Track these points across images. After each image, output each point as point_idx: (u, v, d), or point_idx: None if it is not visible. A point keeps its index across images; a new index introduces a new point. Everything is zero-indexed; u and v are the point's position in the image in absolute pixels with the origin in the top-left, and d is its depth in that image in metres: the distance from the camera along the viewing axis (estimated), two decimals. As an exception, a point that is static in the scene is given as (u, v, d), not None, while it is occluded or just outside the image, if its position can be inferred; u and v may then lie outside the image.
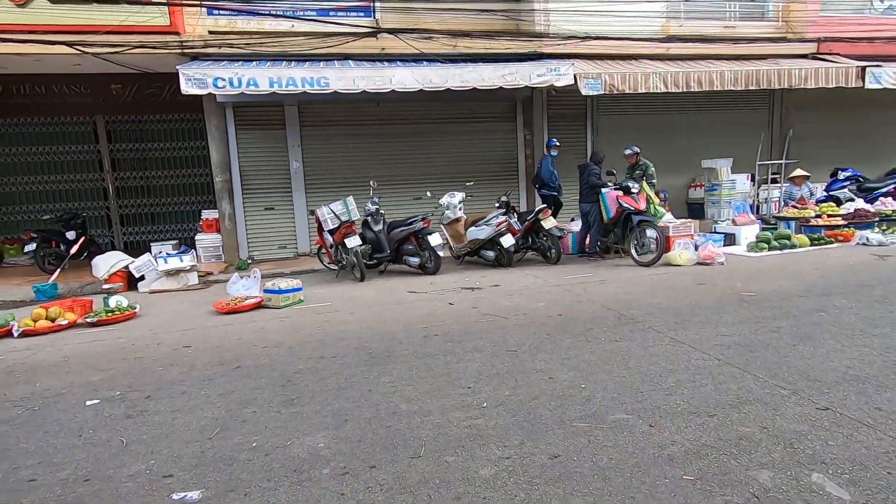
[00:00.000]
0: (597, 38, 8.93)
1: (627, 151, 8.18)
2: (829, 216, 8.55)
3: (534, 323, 4.60)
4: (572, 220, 8.93)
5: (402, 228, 7.32)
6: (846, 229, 8.13)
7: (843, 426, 2.50)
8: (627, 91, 8.41)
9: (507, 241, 7.34)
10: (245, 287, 6.29)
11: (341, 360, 3.90)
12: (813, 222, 8.46)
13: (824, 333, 3.86)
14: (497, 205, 7.77)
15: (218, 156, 8.62)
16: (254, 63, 7.81)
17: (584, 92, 8.26)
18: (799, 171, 9.62)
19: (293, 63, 7.90)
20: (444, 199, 8.04)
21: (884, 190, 9.94)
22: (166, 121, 10.39)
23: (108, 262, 7.33)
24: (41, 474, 2.52)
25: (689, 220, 8.40)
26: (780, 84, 9.01)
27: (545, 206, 7.84)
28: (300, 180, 9.35)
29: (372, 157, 9.53)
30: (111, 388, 3.60)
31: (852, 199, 9.42)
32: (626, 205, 7.18)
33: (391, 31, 8.27)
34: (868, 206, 8.86)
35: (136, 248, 9.43)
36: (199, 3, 7.78)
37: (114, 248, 9.48)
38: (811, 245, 7.74)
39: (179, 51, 7.70)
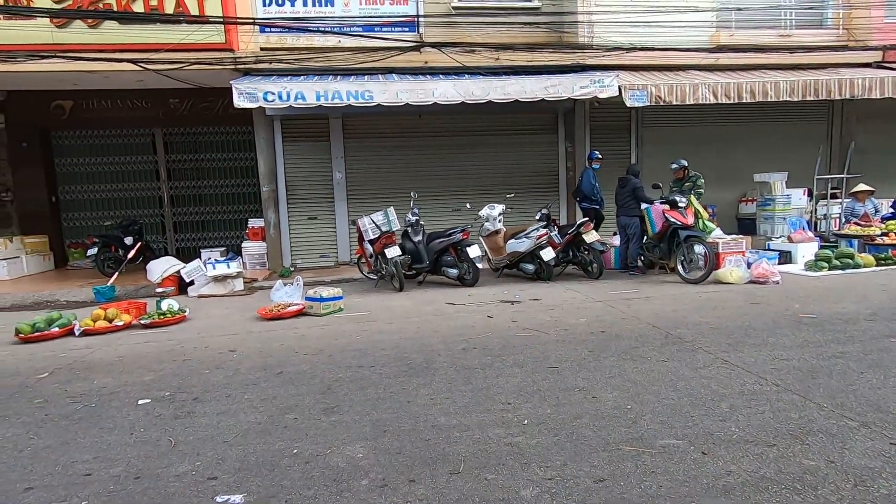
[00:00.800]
0: (642, 48, 8.77)
1: (674, 165, 7.93)
2: (896, 234, 7.98)
3: (575, 339, 4.48)
4: (614, 233, 8.72)
5: (442, 240, 7.34)
6: (917, 249, 7.55)
7: (922, 464, 2.28)
8: (675, 102, 8.18)
9: (548, 254, 7.22)
10: (288, 294, 6.43)
11: (380, 370, 3.91)
12: (878, 241, 7.91)
13: (895, 361, 3.57)
14: (537, 217, 7.68)
15: (265, 166, 8.94)
16: (301, 77, 8.09)
17: (628, 104, 8.09)
18: (862, 186, 9.05)
19: (339, 77, 8.13)
20: (484, 211, 8.01)
21: (959, 208, 9.18)
22: (218, 133, 10.89)
23: (161, 267, 7.69)
24: (96, 469, 2.63)
25: (741, 236, 8.02)
26: (840, 94, 8.55)
27: (587, 219, 7.68)
28: (342, 191, 9.56)
29: (413, 169, 9.65)
30: (161, 389, 3.74)
31: (924, 217, 8.75)
32: (672, 219, 6.93)
33: (434, 46, 8.39)
34: (941, 225, 8.21)
35: (187, 254, 9.86)
36: (252, 20, 8.16)
37: (167, 254, 9.94)
38: (877, 265, 7.24)
39: (233, 66, 8.07)
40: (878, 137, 10.36)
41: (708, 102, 8.31)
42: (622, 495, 2.18)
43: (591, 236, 7.34)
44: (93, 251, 9.03)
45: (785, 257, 7.81)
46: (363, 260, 8.07)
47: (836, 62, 9.34)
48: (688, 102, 8.22)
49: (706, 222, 7.48)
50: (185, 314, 5.98)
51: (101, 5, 7.56)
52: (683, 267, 6.88)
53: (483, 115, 9.40)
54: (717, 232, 7.67)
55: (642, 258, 7.73)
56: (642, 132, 10.24)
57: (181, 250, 10.90)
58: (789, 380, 3.33)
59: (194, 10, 7.74)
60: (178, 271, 7.63)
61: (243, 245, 9.19)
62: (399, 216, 7.51)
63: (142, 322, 5.75)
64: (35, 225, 10.10)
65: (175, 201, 11.14)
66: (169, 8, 7.69)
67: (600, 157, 8.56)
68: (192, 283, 7.53)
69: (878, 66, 9.41)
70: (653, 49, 8.79)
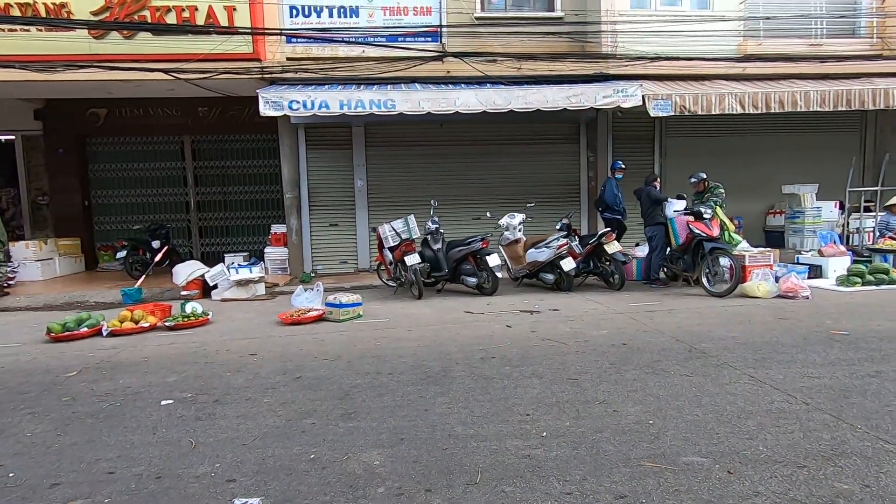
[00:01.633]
0: (667, 58, 8.67)
1: (693, 179, 7.78)
2: (934, 250, 7.66)
3: (596, 351, 4.41)
4: (637, 244, 8.58)
5: (461, 248, 7.33)
6: (957, 265, 7.23)
7: (965, 492, 2.17)
8: (700, 112, 8.05)
9: (568, 264, 7.14)
10: (308, 300, 6.50)
11: (398, 378, 3.91)
12: (915, 256, 7.60)
13: (935, 382, 3.41)
14: (558, 227, 7.62)
15: (289, 174, 9.10)
16: (325, 86, 8.23)
17: (652, 113, 8.00)
18: (896, 199, 8.72)
19: (362, 86, 8.25)
20: (504, 220, 7.99)
21: None
22: (244, 140, 11.15)
23: (186, 271, 7.87)
24: (119, 468, 2.68)
25: (768, 249, 7.81)
26: (874, 105, 8.29)
27: (609, 229, 7.59)
28: (363, 198, 9.65)
29: (433, 177, 9.70)
30: (184, 390, 3.80)
31: (964, 232, 8.39)
32: (697, 231, 6.79)
33: (457, 55, 8.46)
34: (984, 240, 7.86)
35: (211, 259, 10.07)
36: (279, 31, 8.35)
37: (192, 258, 10.17)
38: (914, 281, 6.94)
39: (259, 76, 8.27)
40: (915, 149, 9.99)
41: (734, 112, 8.15)
42: (644, 513, 2.12)
43: (612, 247, 7.24)
44: (122, 254, 9.29)
45: (815, 272, 7.56)
46: (383, 267, 8.11)
47: (870, 71, 9.07)
48: (713, 112, 8.08)
49: (732, 234, 7.30)
50: (208, 317, 6.08)
51: (136, 17, 7.84)
52: (708, 280, 6.72)
53: (504, 125, 9.41)
54: (744, 244, 7.48)
55: (665, 270, 7.58)
56: (666, 142, 10.10)
57: (206, 255, 11.13)
58: (820, 399, 3.21)
59: (224, 22, 7.96)
60: (203, 275, 7.78)
61: (266, 250, 9.34)
62: (419, 224, 7.54)
63: (166, 324, 5.88)
64: (68, 228, 10.46)
65: (201, 207, 11.41)
66: (200, 20, 7.93)
67: (623, 167, 8.47)
68: (215, 286, 7.68)
69: (915, 75, 9.11)
70: (678, 58, 8.68)
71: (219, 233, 11.49)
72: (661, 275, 7.61)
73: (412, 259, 7.07)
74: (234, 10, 7.95)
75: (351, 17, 8.69)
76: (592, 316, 5.78)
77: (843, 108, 8.28)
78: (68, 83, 8.01)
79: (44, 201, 10.86)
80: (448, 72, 8.63)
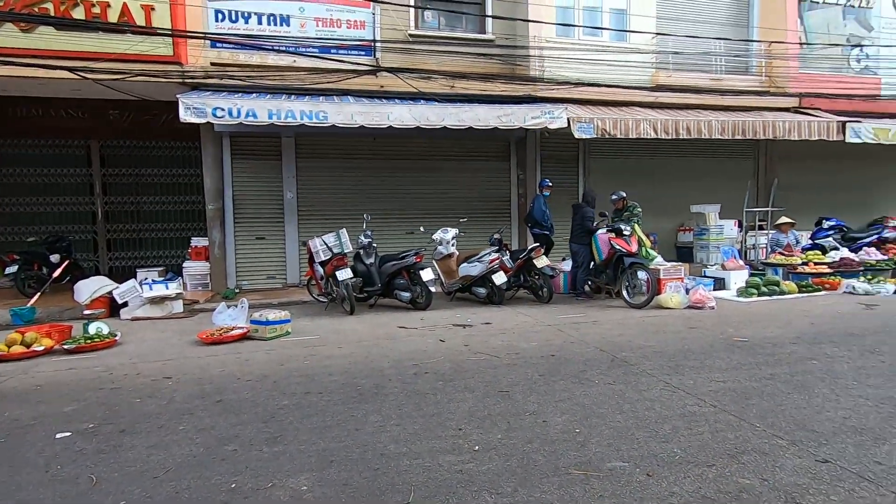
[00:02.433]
0: (589, 84, 9.27)
1: (614, 197, 8.31)
2: (815, 264, 8.68)
3: (526, 363, 4.52)
4: (563, 259, 8.97)
5: (395, 262, 7.29)
6: (833, 277, 8.24)
7: (844, 480, 2.44)
8: (619, 136, 8.65)
9: (500, 278, 7.32)
10: (231, 317, 6.15)
11: (328, 397, 3.77)
12: (800, 269, 8.58)
13: (818, 382, 3.83)
14: (490, 242, 7.80)
15: (211, 183, 8.63)
16: (254, 95, 7.94)
17: (576, 135, 8.47)
18: (784, 219, 9.83)
19: (293, 96, 8.04)
20: (438, 235, 8.05)
21: (867, 240, 10.16)
22: (161, 147, 10.44)
23: (90, 288, 7.15)
24: (1, 514, 2.35)
25: (680, 263, 8.47)
26: (764, 135, 9.33)
27: (538, 244, 7.88)
28: (293, 211, 9.35)
29: (366, 191, 9.60)
30: (85, 420, 3.43)
31: (837, 248, 9.60)
32: (618, 247, 7.24)
33: (391, 71, 8.50)
34: (853, 256, 9.03)
35: (121, 274, 9.24)
36: (202, 35, 7.96)
37: (98, 273, 9.29)
38: (799, 292, 7.82)
39: (180, 80, 7.81)
40: (797, 175, 11.36)
41: (649, 137, 8.84)
42: (571, 521, 2.18)
43: (541, 261, 7.53)
44: (12, 269, 8.28)
45: (719, 284, 8.30)
46: (313, 282, 7.87)
47: (761, 106, 10.24)
48: (631, 136, 8.72)
49: (648, 250, 7.86)
50: (116, 338, 5.56)
51: (36, 9, 7.15)
52: (628, 292, 7.16)
53: (438, 141, 9.54)
54: (659, 259, 8.06)
55: (589, 283, 7.99)
56: (589, 162, 10.72)
57: (115, 270, 10.23)
58: (725, 401, 3.50)
59: (140, 21, 7.47)
60: (110, 292, 7.12)
61: (184, 265, 8.74)
62: (351, 238, 7.41)
63: (65, 347, 5.30)
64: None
65: (110, 217, 10.49)
66: (113, 17, 7.38)
67: (551, 184, 8.88)
68: (125, 304, 7.05)
69: (796, 111, 10.39)
70: (599, 85, 9.30)
71: (130, 246, 10.61)
72: (587, 288, 8.01)
73: (344, 274, 6.92)
74: (153, 9, 7.48)
75: (281, 25, 8.47)
76: (523, 328, 5.94)
77: (740, 137, 9.24)
78: (-50, 77, 7.13)
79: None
80: (382, 86, 8.64)
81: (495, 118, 8.19)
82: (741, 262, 8.96)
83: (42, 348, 5.17)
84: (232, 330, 5.71)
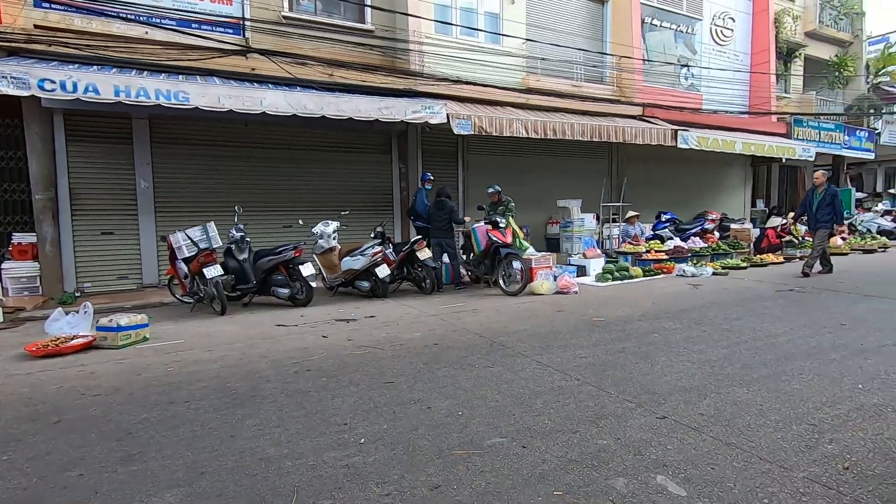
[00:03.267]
0: (467, 82, 9.63)
1: (490, 190, 8.77)
2: (655, 251, 10.09)
3: (410, 353, 4.59)
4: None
5: (271, 258, 6.88)
6: (668, 263, 9.66)
7: (677, 431, 2.88)
8: (494, 133, 9.12)
9: (383, 271, 7.31)
10: (71, 325, 5.31)
11: (196, 405, 3.45)
12: (644, 256, 9.90)
13: (658, 352, 4.47)
14: (372, 235, 7.74)
15: (39, 169, 7.32)
16: (95, 67, 6.89)
17: (455, 131, 8.75)
18: (631, 213, 11.25)
19: (146, 73, 7.13)
20: (318, 228, 7.77)
21: (693, 231, 12.06)
22: (-32, 124, 8.53)
23: None
24: None
25: (549, 253, 9.25)
26: (616, 138, 10.55)
27: (420, 237, 8.01)
28: (149, 202, 8.31)
29: (238, 181, 8.90)
30: None
31: (671, 238, 11.25)
32: (495, 238, 7.66)
33: (263, 52, 7.96)
34: (683, 244, 10.66)
35: None
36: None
37: None
38: (644, 276, 9.03)
39: (-7, 43, 6.47)
40: (641, 174, 13.08)
41: (521, 136, 9.46)
42: (456, 498, 2.27)
43: (424, 253, 7.68)
44: None
45: (581, 271, 9.25)
46: (176, 281, 7.10)
47: (613, 112, 11.55)
48: (505, 134, 9.25)
49: (522, 241, 8.45)
50: None
51: None
52: (504, 281, 7.63)
53: (317, 131, 9.18)
54: (531, 250, 8.71)
55: (469, 273, 8.35)
56: (468, 158, 11.16)
57: None
58: (587, 374, 3.91)
59: (-69, -35, 6.03)
60: None
61: (3, 266, 7.31)
62: (221, 232, 6.83)
63: None
64: None
65: None
66: None
67: (432, 178, 9.07)
68: (-83, 316, 5.69)
69: (641, 118, 11.91)
70: (476, 84, 9.71)
71: (-76, 244, 8.53)
72: (466, 277, 8.36)
73: (213, 271, 6.36)
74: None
75: (130, -10, 7.44)
76: (406, 320, 6.01)
77: (596, 139, 10.33)
78: None
79: None
80: (253, 69, 8.05)
81: (376, 110, 8.11)
82: (599, 251, 10.07)
83: None
84: (72, 339, 4.92)
